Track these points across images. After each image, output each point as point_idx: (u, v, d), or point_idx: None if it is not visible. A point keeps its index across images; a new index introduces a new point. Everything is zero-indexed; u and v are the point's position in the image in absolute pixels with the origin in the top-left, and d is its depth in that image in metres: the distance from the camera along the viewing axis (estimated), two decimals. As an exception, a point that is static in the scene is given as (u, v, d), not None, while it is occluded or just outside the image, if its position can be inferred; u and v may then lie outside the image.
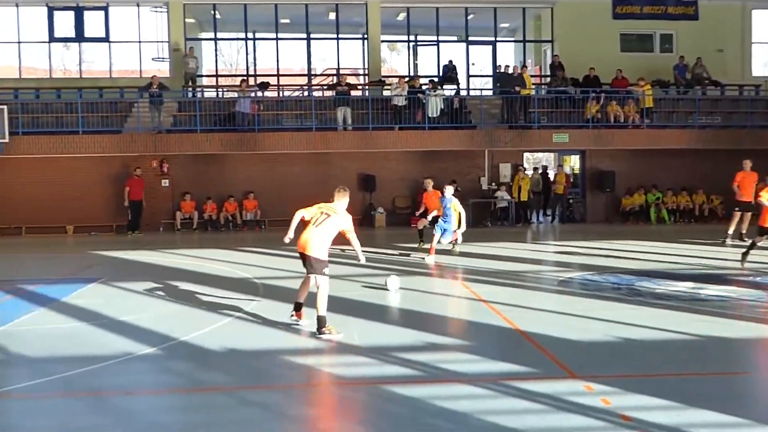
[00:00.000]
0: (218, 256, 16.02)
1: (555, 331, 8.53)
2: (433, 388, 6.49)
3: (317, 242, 8.48)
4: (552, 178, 24.87)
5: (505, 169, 23.67)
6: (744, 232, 17.36)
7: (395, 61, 37.04)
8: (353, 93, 23.56)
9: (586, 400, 6.16)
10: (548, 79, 25.89)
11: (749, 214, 17.18)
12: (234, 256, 15.89)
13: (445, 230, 15.11)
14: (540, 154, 31.71)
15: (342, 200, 8.86)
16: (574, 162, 25.65)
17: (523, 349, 7.81)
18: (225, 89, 26.71)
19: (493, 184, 23.40)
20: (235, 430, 5.69)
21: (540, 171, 26.48)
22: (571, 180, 25.39)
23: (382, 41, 27.88)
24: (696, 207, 23.42)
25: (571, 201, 23.95)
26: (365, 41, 26.72)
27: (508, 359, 7.36)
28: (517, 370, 7.05)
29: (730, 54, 26.67)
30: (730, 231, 17.42)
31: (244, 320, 9.42)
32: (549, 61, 26.38)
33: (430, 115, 22.35)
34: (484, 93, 26.53)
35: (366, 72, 26.92)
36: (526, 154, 25.04)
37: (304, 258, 8.55)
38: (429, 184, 17.16)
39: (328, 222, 8.58)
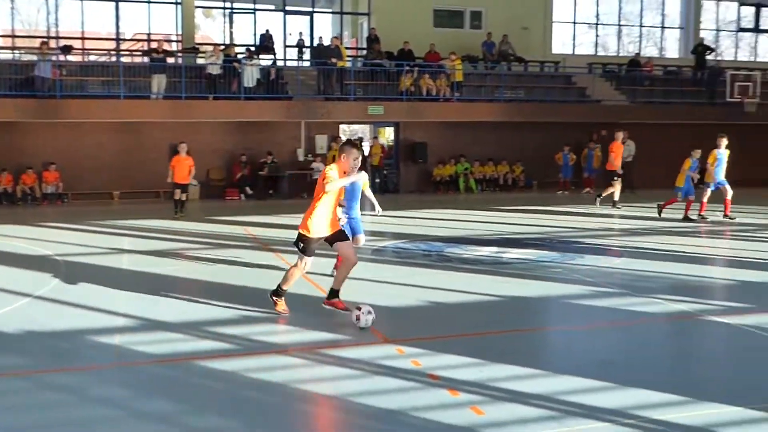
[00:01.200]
0: (14, 232, 14.91)
1: (369, 298, 8.68)
2: (249, 361, 6.44)
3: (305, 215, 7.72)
4: (368, 150, 25.30)
5: (322, 141, 23.76)
6: (617, 199, 18.63)
7: (210, 28, 35.99)
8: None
9: (397, 363, 6.36)
10: (365, 52, 26.21)
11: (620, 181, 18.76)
12: (33, 232, 14.85)
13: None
14: (356, 126, 32.10)
15: (339, 160, 7.60)
16: (388, 134, 26.22)
17: (337, 318, 7.92)
18: (23, 51, 24.72)
19: (310, 155, 23.43)
20: (39, 415, 5.35)
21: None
22: (387, 151, 25.95)
23: (197, 7, 26.95)
24: (500, 176, 24.74)
25: (385, 172, 24.49)
26: (179, 6, 25.71)
27: (324, 328, 7.44)
28: (333, 338, 7.15)
29: (534, 32, 28.25)
30: (616, 197, 18.64)
31: (44, 300, 8.85)
32: (366, 34, 26.68)
33: (245, 85, 21.95)
34: (301, 64, 26.39)
35: (179, 38, 25.94)
36: (342, 126, 25.25)
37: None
38: (183, 148, 17.34)
39: (316, 191, 7.67)
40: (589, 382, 5.86)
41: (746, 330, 7.42)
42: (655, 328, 7.73)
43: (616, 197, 18.65)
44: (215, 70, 21.94)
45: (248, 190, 22.26)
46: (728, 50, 32.66)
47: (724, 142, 16.29)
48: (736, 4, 31.89)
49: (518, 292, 9.13)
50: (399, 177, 24.49)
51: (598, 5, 30.42)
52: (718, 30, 32.28)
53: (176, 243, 13.39)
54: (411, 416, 5.22)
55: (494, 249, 12.38)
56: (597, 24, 30.76)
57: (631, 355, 6.72)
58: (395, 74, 24.06)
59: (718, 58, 30.39)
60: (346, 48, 25.83)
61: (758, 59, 32.38)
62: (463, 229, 15.25)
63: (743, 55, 32.62)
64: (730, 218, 16.21)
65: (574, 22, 30.06)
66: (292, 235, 8.14)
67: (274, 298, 7.94)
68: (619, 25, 31.08)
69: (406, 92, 23.39)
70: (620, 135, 19.33)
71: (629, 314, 8.12)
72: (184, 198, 17.58)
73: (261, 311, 8.11)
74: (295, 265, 7.83)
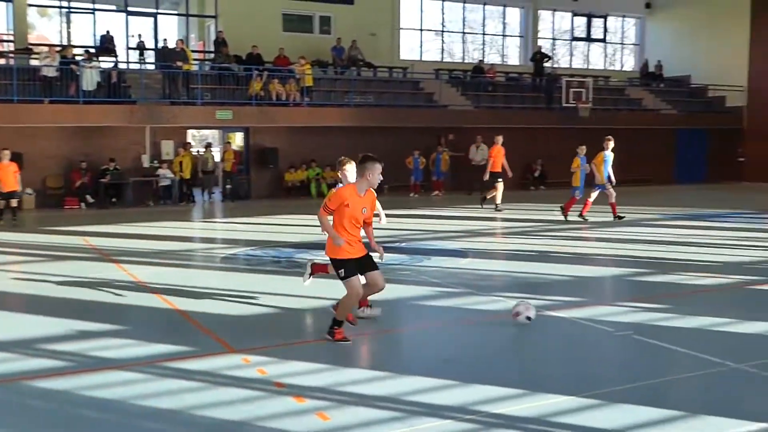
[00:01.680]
0: None
1: (216, 308, 8.52)
2: (83, 378, 6.10)
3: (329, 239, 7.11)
4: (221, 156, 24.78)
5: (168, 146, 23.00)
6: (499, 202, 18.98)
7: (46, 28, 34.04)
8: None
9: (243, 372, 6.24)
10: (212, 55, 25.68)
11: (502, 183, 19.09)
12: None
13: None
14: (207, 131, 31.40)
15: (359, 176, 7.07)
16: (239, 139, 25.80)
17: (182, 330, 7.67)
18: None
19: (155, 161, 22.65)
20: None
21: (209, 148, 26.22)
22: (239, 157, 25.52)
23: (30, 5, 25.40)
24: (353, 181, 24.85)
25: (237, 178, 24.06)
26: (10, 4, 24.15)
27: (166, 341, 7.18)
28: (175, 350, 6.91)
29: (382, 38, 28.70)
30: (498, 201, 18.97)
31: None
32: (213, 37, 26.15)
33: (85, 89, 20.92)
34: (145, 67, 25.46)
35: (11, 38, 24.36)
36: (191, 131, 24.59)
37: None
38: (5, 155, 16.81)
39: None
40: (433, 381, 5.98)
41: (579, 323, 7.84)
42: (496, 325, 8.00)
43: (498, 200, 19.03)
44: (51, 72, 20.77)
45: (89, 198, 21.20)
46: (564, 58, 34.55)
47: (611, 144, 16.76)
48: (570, 14, 33.83)
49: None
50: (250, 183, 24.14)
51: (443, 13, 31.34)
52: (554, 39, 34.09)
53: (6, 255, 12.54)
54: (256, 426, 5.12)
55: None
56: (443, 31, 31.69)
57: (472, 352, 6.92)
58: (244, 78, 23.73)
59: (555, 65, 32.09)
60: (193, 51, 25.22)
61: (590, 67, 34.45)
62: (314, 234, 15.16)
63: (577, 63, 34.60)
64: (619, 218, 16.77)
65: (421, 29, 30.82)
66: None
67: (335, 329, 7.08)
68: (464, 32, 32.16)
69: (256, 97, 23.11)
70: (500, 138, 19.63)
71: (472, 313, 8.38)
72: (15, 205, 16.63)
73: (97, 325, 7.72)
74: (347, 295, 7.02)
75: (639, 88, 32.41)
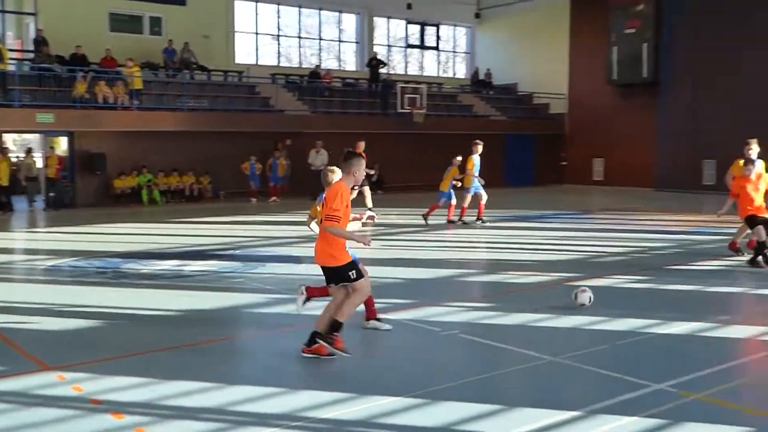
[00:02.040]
0: None
1: (35, 323, 7.97)
2: None
3: (324, 245, 6.66)
4: (43, 162, 23.30)
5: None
6: (370, 206, 17.96)
7: None
8: None
9: (57, 390, 5.86)
10: (32, 55, 24.13)
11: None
12: None
13: None
14: (29, 136, 29.49)
15: (345, 173, 6.75)
16: (64, 144, 24.36)
17: (-11, 348, 7.11)
18: None
19: (-31, 167, 20.94)
20: None
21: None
22: (65, 163, 24.12)
23: None
24: (186, 187, 24.21)
25: (61, 185, 22.70)
26: None
27: (-29, 361, 6.62)
28: (-19, 371, 6.39)
29: (216, 41, 28.11)
30: (368, 204, 17.87)
31: None
32: (32, 35, 24.58)
33: None
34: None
35: None
36: (10, 135, 22.97)
37: (324, 271, 6.80)
38: None
39: (323, 217, 6.69)
40: (262, 390, 5.87)
41: (409, 324, 7.99)
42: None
43: (369, 203, 18.45)
44: None
45: None
46: (399, 65, 35.34)
47: (479, 148, 16.99)
48: (404, 22, 34.66)
49: (196, 305, 8.92)
50: (75, 190, 22.83)
51: (279, 17, 31.17)
52: (389, 45, 34.79)
53: None
54: (68, 448, 4.81)
55: (175, 262, 12.01)
56: (279, 35, 31.50)
57: (303, 359, 6.85)
58: (68, 80, 22.46)
59: (391, 71, 32.74)
60: (9, 50, 23.57)
61: (425, 73, 35.47)
62: (144, 243, 14.63)
63: (412, 70, 35.53)
64: (483, 221, 17.09)
65: (257, 33, 30.49)
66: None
67: (329, 339, 6.63)
68: (300, 37, 32.13)
69: (80, 99, 21.92)
70: (362, 144, 19.45)
71: (304, 318, 8.31)
72: None
73: None
74: (351, 299, 6.68)
75: (470, 95, 33.72)
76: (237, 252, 13.26)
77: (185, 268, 11.55)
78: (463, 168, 17.35)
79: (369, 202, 18.41)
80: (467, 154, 17.31)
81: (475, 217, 17.28)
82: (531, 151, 32.64)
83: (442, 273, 11.23)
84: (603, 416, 5.27)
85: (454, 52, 37.50)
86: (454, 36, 37.30)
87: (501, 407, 5.48)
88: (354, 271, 6.63)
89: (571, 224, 17.97)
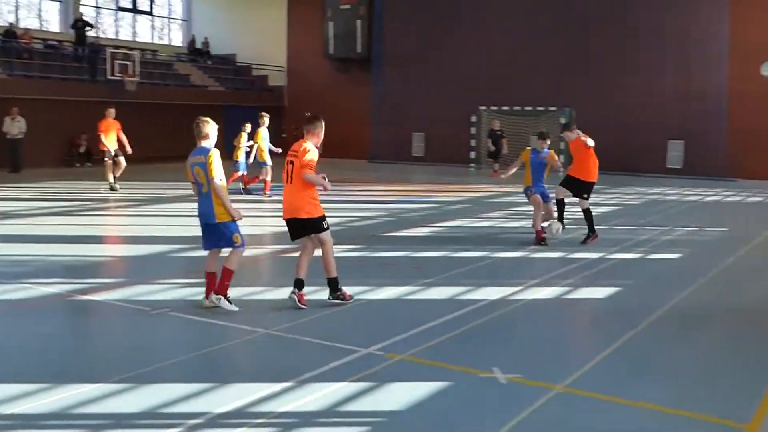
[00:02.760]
0: None
1: None
2: None
3: (298, 199, 7.23)
4: None
5: None
6: (112, 181, 17.42)
7: None
8: None
9: None
10: None
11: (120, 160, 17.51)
12: None
13: None
14: None
15: (310, 132, 7.47)
16: None
17: None
18: None
19: None
20: None
21: None
22: None
23: None
24: None
25: None
26: None
27: None
28: None
29: None
30: (110, 179, 17.39)
31: None
32: None
33: None
34: None
35: None
36: None
37: (294, 224, 7.32)
38: None
39: (296, 171, 7.25)
40: (-65, 389, 5.13)
41: (115, 305, 7.48)
42: (21, 317, 7.23)
43: (110, 178, 17.43)
44: None
45: None
46: (110, 29, 33.14)
47: (266, 120, 16.85)
48: (115, -17, 32.48)
49: None
50: None
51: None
52: (98, 7, 32.45)
53: None
54: None
55: None
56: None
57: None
58: None
59: (100, 35, 30.58)
60: None
61: (138, 39, 33.66)
62: None
63: (124, 35, 33.51)
64: (269, 196, 16.53)
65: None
66: None
67: (338, 293, 7.45)
68: (-8, -9, 28.83)
69: None
70: (111, 111, 17.91)
71: (-5, 303, 7.48)
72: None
73: None
74: (326, 250, 7.32)
75: (187, 64, 32.64)
76: None
77: None
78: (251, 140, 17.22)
79: (110, 177, 17.53)
80: (255, 126, 17.19)
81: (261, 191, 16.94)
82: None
83: (155, 249, 10.70)
84: (314, 384, 5.32)
85: (170, 18, 36.01)
86: (169, 1, 35.78)
87: (214, 384, 5.31)
88: (325, 222, 7.33)
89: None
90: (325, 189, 7.35)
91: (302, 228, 7.31)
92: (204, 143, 7.23)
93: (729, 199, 18.91)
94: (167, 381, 5.36)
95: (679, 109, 24.19)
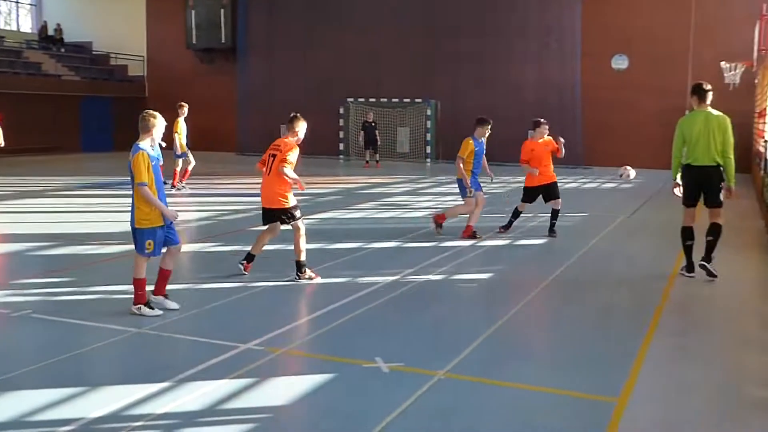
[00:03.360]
0: None
1: None
2: None
3: (275, 191, 7.88)
4: None
5: None
6: None
7: None
8: None
9: None
10: None
11: None
12: None
13: None
14: None
15: (292, 130, 8.11)
16: None
17: None
18: None
19: None
20: None
21: None
22: None
23: None
24: None
25: None
26: None
27: None
28: None
29: None
30: None
31: None
32: None
33: None
34: None
35: None
36: None
37: (269, 213, 7.97)
38: None
39: (276, 163, 7.84)
40: None
41: (-30, 308, 6.96)
42: None
43: None
44: None
45: None
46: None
47: (185, 110, 16.39)
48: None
49: None
50: None
51: None
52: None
53: None
54: None
55: None
56: None
57: None
58: None
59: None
60: None
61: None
62: None
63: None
64: (178, 189, 16.26)
65: None
66: None
67: (306, 270, 8.08)
68: None
69: None
70: None
71: None
72: None
73: None
74: (299, 235, 7.99)
75: (38, 52, 30.82)
76: None
77: None
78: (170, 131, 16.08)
79: None
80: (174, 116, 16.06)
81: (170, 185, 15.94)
82: (109, 116, 31.01)
83: (8, 248, 10.05)
84: (193, 383, 5.14)
85: (18, 2, 33.86)
86: (16, -15, 33.65)
87: (86, 388, 5.03)
88: (299, 211, 8.01)
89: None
90: (301, 188, 7.91)
91: (275, 216, 7.98)
92: (140, 141, 6.61)
93: (586, 186, 19.90)
94: (34, 387, 5.03)
95: (538, 102, 25.20)
